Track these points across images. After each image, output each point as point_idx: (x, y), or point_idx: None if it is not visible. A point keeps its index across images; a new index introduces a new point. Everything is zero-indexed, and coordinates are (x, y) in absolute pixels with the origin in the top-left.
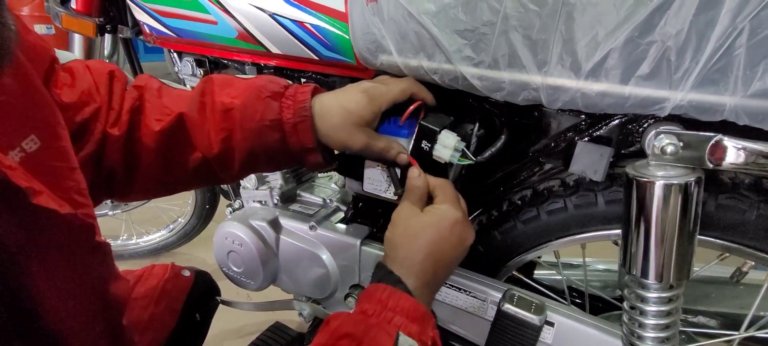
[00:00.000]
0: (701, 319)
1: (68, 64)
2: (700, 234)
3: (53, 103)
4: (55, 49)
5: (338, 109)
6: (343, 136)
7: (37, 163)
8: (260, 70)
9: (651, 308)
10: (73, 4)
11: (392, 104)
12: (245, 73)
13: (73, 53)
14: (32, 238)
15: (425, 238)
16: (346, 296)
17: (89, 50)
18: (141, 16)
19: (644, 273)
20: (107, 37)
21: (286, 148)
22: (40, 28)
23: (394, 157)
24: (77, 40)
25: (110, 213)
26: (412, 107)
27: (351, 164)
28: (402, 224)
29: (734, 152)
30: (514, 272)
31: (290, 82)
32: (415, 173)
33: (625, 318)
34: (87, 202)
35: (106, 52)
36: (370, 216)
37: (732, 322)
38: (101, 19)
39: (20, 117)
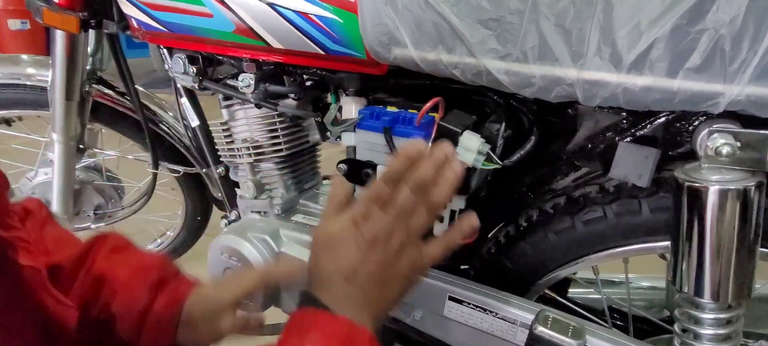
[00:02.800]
0: (764, 344)
1: None
2: (761, 246)
3: None
4: None
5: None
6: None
7: None
8: (260, 66)
9: (706, 331)
10: None
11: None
12: (243, 70)
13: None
14: None
15: (320, 253)
16: None
17: (72, 47)
18: (128, 9)
19: (698, 291)
20: (91, 33)
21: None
22: (14, 23)
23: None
24: (59, 37)
25: (93, 226)
26: (428, 105)
27: (358, 172)
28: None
29: None
30: (546, 291)
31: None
32: (336, 180)
33: (676, 342)
34: (13, 223)
35: (89, 49)
36: None
37: None
38: (85, 14)
39: None
